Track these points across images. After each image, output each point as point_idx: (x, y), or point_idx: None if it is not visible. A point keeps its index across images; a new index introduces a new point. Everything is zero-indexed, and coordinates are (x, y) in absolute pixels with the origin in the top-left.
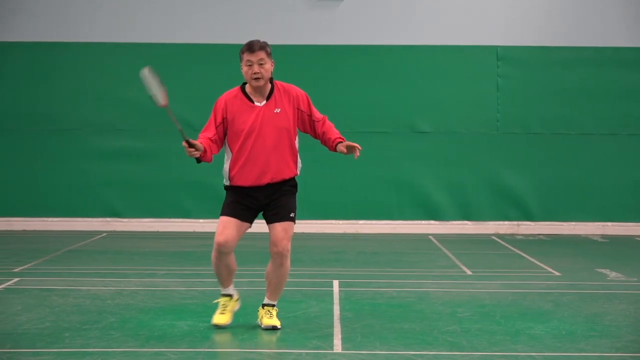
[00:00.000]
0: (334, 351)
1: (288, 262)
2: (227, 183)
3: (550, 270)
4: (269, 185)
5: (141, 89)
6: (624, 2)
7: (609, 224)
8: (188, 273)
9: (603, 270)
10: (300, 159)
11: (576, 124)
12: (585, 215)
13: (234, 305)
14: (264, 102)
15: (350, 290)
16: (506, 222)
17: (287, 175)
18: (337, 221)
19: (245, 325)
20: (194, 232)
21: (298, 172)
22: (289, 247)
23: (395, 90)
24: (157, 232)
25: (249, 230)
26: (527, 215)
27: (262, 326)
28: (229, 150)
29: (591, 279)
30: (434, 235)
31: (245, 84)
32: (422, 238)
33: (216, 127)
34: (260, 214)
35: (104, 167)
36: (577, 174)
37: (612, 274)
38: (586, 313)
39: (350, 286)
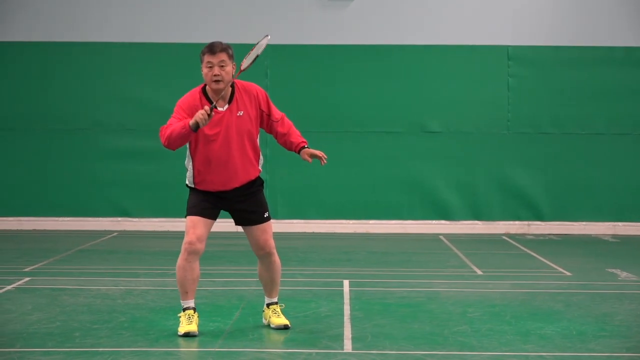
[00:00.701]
0: (344, 351)
1: (277, 258)
2: (191, 186)
3: (561, 270)
4: (235, 189)
5: (152, 89)
6: (635, 1)
7: (620, 224)
8: None
9: (614, 270)
10: (262, 155)
11: (587, 123)
12: (596, 215)
13: (197, 318)
14: (226, 106)
15: (360, 290)
16: (517, 222)
17: (252, 176)
18: (348, 221)
19: (255, 325)
20: None
21: (261, 169)
22: (273, 244)
23: (406, 90)
24: (168, 231)
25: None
26: (538, 215)
27: (273, 326)
28: (189, 155)
29: (602, 279)
30: (444, 235)
31: (205, 86)
32: (433, 238)
33: None
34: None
35: (114, 166)
36: (588, 174)
37: (623, 274)
38: (597, 313)
39: (361, 286)
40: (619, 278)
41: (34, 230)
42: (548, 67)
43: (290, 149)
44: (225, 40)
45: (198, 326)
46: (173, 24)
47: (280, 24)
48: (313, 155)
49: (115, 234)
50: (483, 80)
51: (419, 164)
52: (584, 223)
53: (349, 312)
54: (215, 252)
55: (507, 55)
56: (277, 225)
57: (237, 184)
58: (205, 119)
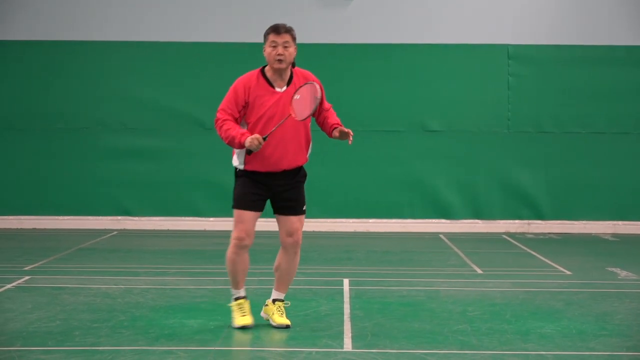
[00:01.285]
0: (344, 350)
1: (299, 254)
2: (240, 167)
3: (561, 269)
4: (284, 171)
5: (152, 88)
6: (636, 0)
7: (620, 222)
8: (198, 271)
9: (614, 269)
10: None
11: (588, 122)
12: (597, 214)
13: (249, 306)
14: (285, 87)
15: (360, 289)
16: (517, 221)
17: (300, 162)
18: (348, 220)
19: (255, 324)
20: (205, 231)
21: (308, 159)
22: (301, 237)
23: (406, 89)
24: (168, 230)
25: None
26: (538, 214)
27: (275, 324)
28: None
29: (602, 278)
30: (444, 234)
31: (264, 67)
32: (433, 237)
33: (239, 111)
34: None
35: (114, 165)
36: (588, 173)
37: (623, 273)
38: (597, 312)
39: (361, 285)
40: (619, 277)
41: (34, 229)
42: (548, 66)
43: (327, 130)
44: (225, 39)
45: (252, 315)
46: (173, 23)
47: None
48: (342, 132)
49: (115, 232)
50: (483, 79)
51: (420, 163)
52: (584, 222)
53: (349, 310)
54: (215, 250)
55: (508, 54)
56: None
57: (286, 167)
58: (256, 147)
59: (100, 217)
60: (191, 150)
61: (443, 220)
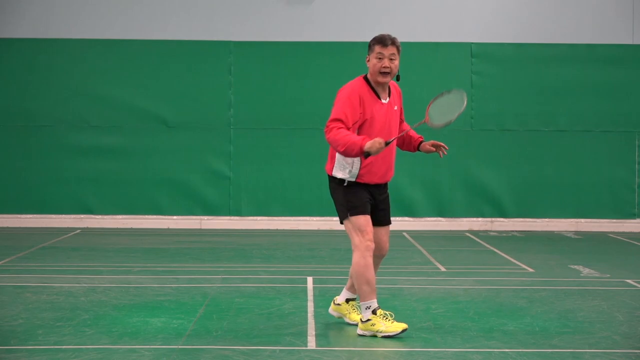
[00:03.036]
0: (308, 348)
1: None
2: (351, 180)
3: (524, 266)
4: (385, 183)
5: (116, 85)
6: None
7: (583, 220)
8: (162, 270)
9: (577, 267)
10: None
11: (550, 120)
12: (559, 212)
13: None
14: (388, 99)
15: (324, 287)
16: (480, 219)
17: (393, 173)
18: (312, 218)
19: (218, 322)
20: (168, 229)
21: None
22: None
23: None
24: (131, 228)
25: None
26: (501, 212)
27: (351, 322)
28: None
29: (565, 276)
30: (408, 232)
31: (366, 76)
32: (396, 235)
33: (355, 122)
34: None
35: (77, 163)
36: (551, 171)
37: (586, 271)
38: (559, 309)
39: (325, 283)
40: (582, 274)
41: None
42: (511, 64)
43: (412, 144)
44: (189, 37)
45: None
46: (135, 21)
47: (243, 21)
48: (435, 145)
49: (78, 231)
50: (447, 77)
51: None
52: (546, 220)
53: (313, 309)
54: (178, 249)
55: (471, 53)
56: (241, 223)
57: (390, 177)
58: (376, 151)
59: (63, 216)
60: (154, 148)
61: (407, 218)
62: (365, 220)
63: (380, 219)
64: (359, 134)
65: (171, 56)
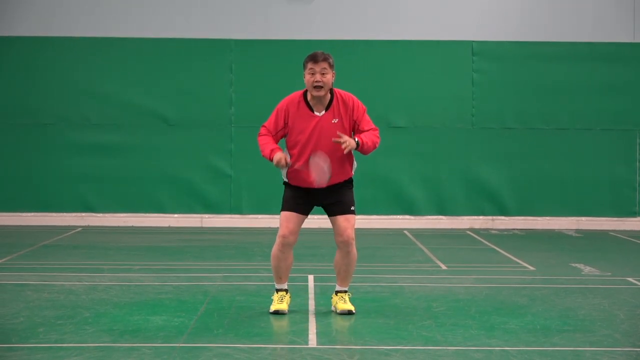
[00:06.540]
0: (309, 346)
1: (354, 250)
2: (285, 180)
3: (525, 264)
4: (326, 187)
5: (117, 83)
6: None
7: (584, 218)
8: (162, 268)
9: (577, 265)
10: (356, 160)
11: (551, 119)
12: (560, 210)
13: (289, 298)
14: (324, 112)
15: (325, 285)
16: (481, 217)
17: (342, 179)
18: (313, 216)
19: (219, 320)
20: (169, 227)
21: (353, 174)
22: (353, 235)
23: (371, 85)
24: (132, 226)
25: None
26: (502, 210)
27: (338, 311)
28: (287, 153)
29: (565, 274)
30: (409, 230)
31: (306, 91)
32: (397, 233)
33: (277, 132)
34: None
35: (79, 161)
36: (551, 169)
37: (587, 269)
38: (560, 307)
39: (326, 281)
40: (583, 273)
41: None
42: (512, 62)
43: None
44: (190, 36)
45: (289, 306)
46: (136, 18)
47: (244, 19)
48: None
49: (79, 229)
50: (448, 75)
51: (384, 159)
52: (547, 218)
53: (314, 307)
54: (179, 246)
55: (472, 51)
56: (241, 220)
57: (329, 183)
58: (281, 167)
59: (64, 214)
60: (156, 146)
61: (407, 217)
62: (286, 216)
63: (335, 211)
64: (287, 140)
65: (172, 54)
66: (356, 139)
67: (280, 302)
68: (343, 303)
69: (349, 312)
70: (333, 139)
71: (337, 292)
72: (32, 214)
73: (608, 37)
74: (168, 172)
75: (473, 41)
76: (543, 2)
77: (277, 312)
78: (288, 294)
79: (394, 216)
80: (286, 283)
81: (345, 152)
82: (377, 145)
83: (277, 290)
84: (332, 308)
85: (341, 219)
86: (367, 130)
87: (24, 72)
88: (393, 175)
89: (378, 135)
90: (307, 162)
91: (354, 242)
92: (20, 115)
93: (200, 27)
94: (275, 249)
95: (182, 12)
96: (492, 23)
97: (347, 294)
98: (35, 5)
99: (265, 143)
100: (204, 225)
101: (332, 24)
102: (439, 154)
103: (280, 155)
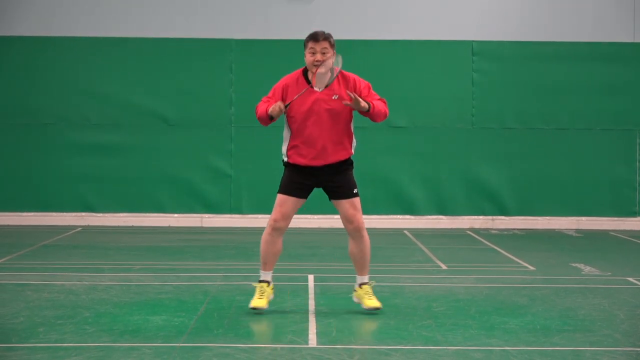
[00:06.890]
0: (309, 346)
1: (366, 234)
2: (285, 159)
3: (525, 264)
4: (326, 166)
5: (117, 83)
6: None
7: (584, 218)
8: (163, 268)
9: (577, 265)
10: (355, 138)
11: (551, 118)
12: (560, 210)
13: (270, 292)
14: (323, 88)
15: (325, 284)
16: (481, 217)
17: (343, 157)
18: (313, 216)
19: (219, 320)
20: (169, 227)
21: (353, 152)
22: (362, 219)
23: (371, 84)
24: (132, 226)
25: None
26: (502, 210)
27: (366, 308)
28: (287, 128)
29: (566, 274)
30: (409, 230)
31: (305, 69)
32: (397, 233)
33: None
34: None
35: (79, 161)
36: (552, 169)
37: (587, 269)
38: (560, 307)
39: (326, 281)
40: (583, 272)
41: None
42: (512, 62)
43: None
44: (191, 35)
45: (269, 302)
46: (136, 18)
47: (245, 19)
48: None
49: (79, 229)
50: (448, 75)
51: (384, 159)
52: (548, 218)
53: (314, 307)
54: (179, 246)
55: (472, 51)
56: (241, 220)
57: (325, 162)
58: (277, 114)
59: (64, 213)
60: (156, 146)
61: (407, 216)
62: (280, 199)
63: (337, 195)
64: (286, 117)
65: (172, 54)
66: (367, 102)
67: (260, 297)
68: (369, 299)
69: (377, 309)
70: (343, 102)
71: (360, 285)
72: (32, 213)
73: (608, 37)
74: (168, 172)
75: (473, 41)
76: (543, 2)
77: (255, 309)
78: (270, 286)
79: (394, 216)
80: (270, 273)
81: (353, 106)
82: (387, 114)
83: (260, 281)
84: (355, 300)
85: (347, 204)
86: (376, 100)
87: (24, 72)
88: (393, 175)
89: (387, 105)
90: (306, 138)
91: (364, 227)
92: (20, 115)
93: (200, 27)
94: (265, 233)
95: (182, 12)
96: (492, 23)
97: (370, 285)
98: (35, 5)
99: (261, 106)
100: (204, 225)
101: (332, 24)
102: (439, 154)
103: (275, 105)
